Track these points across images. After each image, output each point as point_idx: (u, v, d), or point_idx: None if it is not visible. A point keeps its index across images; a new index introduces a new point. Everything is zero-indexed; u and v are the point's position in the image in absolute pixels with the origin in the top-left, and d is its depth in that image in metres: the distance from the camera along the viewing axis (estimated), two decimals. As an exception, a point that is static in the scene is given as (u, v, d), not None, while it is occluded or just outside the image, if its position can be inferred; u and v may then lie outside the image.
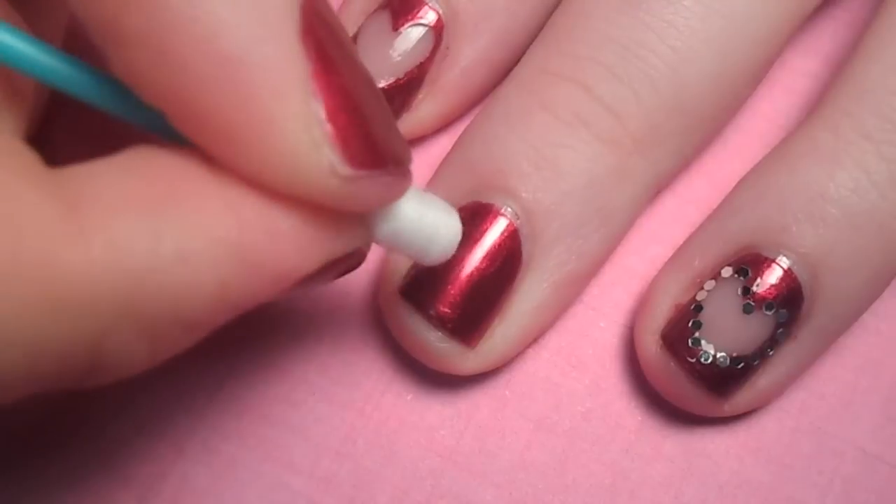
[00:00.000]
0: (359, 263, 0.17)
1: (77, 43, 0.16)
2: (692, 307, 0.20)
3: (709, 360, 0.20)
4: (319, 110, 0.14)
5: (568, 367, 0.22)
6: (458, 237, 0.18)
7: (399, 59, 0.22)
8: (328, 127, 0.14)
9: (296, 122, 0.13)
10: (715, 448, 0.22)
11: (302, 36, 0.13)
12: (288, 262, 0.14)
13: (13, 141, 0.13)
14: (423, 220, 0.17)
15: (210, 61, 0.13)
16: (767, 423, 0.22)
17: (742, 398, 0.21)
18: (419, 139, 0.24)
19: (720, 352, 0.20)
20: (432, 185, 0.22)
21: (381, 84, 0.22)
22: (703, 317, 0.20)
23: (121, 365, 0.13)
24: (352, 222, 0.15)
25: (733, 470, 0.22)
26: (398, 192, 0.16)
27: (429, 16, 0.22)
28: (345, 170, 0.14)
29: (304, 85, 0.13)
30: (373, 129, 0.14)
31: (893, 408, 0.22)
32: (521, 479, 0.22)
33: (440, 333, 0.20)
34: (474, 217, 0.20)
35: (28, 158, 0.13)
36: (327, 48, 0.14)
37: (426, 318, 0.20)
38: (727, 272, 0.20)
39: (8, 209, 0.12)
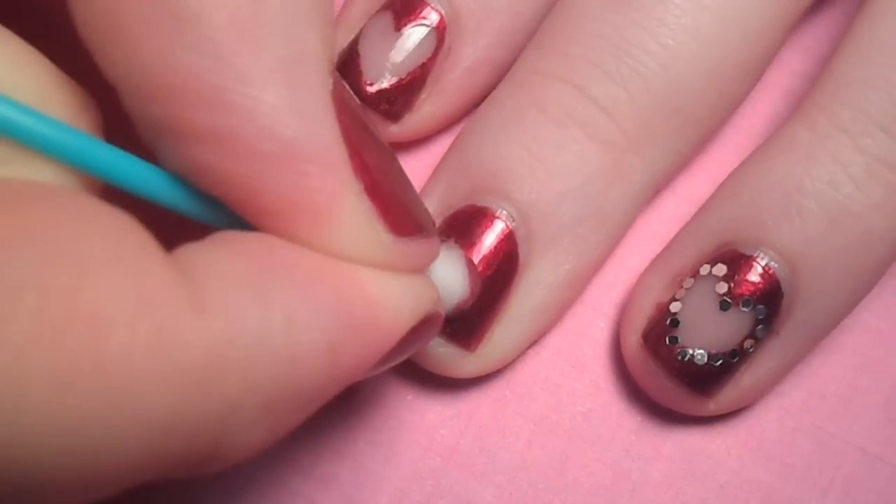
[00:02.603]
0: (437, 327, 0.17)
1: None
2: (670, 306, 0.20)
3: (686, 358, 0.20)
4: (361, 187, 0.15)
5: (568, 367, 0.22)
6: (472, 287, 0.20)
7: (401, 59, 0.22)
8: (370, 202, 0.15)
9: (352, 197, 0.14)
10: (715, 448, 0.22)
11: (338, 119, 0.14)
12: (383, 321, 0.15)
13: (132, 219, 0.13)
14: (441, 276, 0.19)
15: (273, 147, 0.14)
16: (767, 423, 0.22)
17: (726, 396, 0.21)
18: (421, 139, 0.24)
19: (698, 349, 0.20)
20: (429, 188, 0.22)
21: (384, 84, 0.22)
22: (681, 315, 0.20)
23: (242, 445, 0.14)
24: (418, 281, 0.16)
25: (733, 470, 0.22)
26: (433, 254, 0.17)
27: (431, 16, 0.22)
28: (389, 238, 0.15)
29: (349, 164, 0.14)
30: (403, 201, 0.15)
31: (893, 408, 0.22)
32: (521, 479, 0.22)
33: (439, 338, 0.20)
34: (471, 221, 0.20)
35: (147, 237, 0.13)
36: (355, 131, 0.15)
37: None
38: (705, 270, 0.20)
39: (143, 288, 0.12)
